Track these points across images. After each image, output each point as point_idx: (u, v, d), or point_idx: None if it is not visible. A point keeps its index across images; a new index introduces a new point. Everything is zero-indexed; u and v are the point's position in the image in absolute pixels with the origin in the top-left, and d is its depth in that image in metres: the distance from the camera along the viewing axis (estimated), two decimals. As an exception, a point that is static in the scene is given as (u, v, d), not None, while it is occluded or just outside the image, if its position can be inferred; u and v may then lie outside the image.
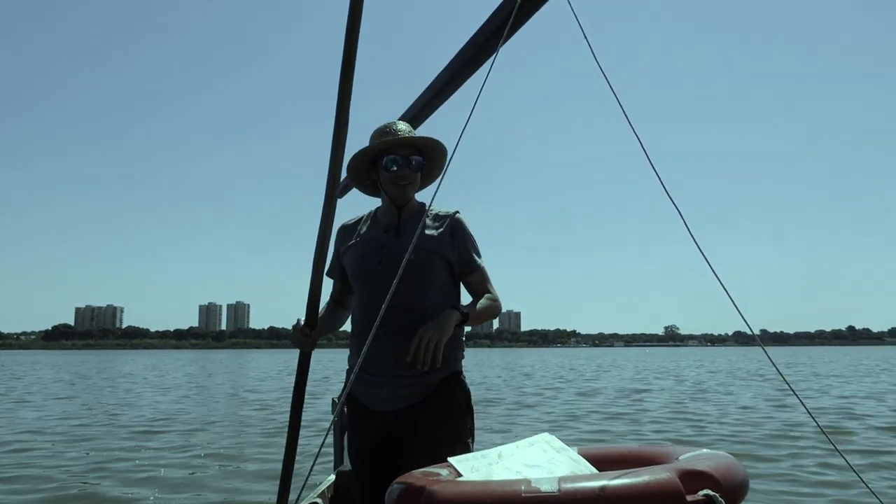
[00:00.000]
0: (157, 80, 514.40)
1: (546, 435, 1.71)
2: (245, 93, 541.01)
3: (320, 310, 2.17)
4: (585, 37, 1.84)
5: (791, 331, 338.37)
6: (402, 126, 2.20)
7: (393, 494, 1.28)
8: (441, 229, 2.13)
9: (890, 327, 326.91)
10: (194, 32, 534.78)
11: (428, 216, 2.15)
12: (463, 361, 2.19)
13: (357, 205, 2.33)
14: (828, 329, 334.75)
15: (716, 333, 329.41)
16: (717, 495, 1.10)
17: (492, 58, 1.99)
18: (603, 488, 1.04)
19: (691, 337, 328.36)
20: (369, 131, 2.23)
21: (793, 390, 1.60)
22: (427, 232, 2.11)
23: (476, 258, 2.16)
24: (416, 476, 1.36)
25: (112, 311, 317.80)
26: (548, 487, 1.05)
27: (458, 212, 2.19)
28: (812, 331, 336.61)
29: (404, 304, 2.00)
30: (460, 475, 1.41)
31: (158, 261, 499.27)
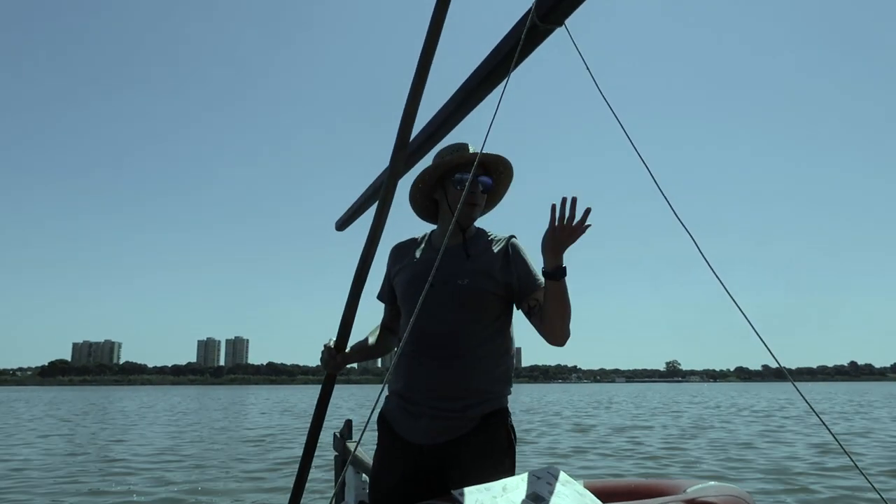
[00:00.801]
0: (158, 119, 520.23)
1: (552, 468, 1.68)
2: (244, 127, 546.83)
3: (369, 334, 2.16)
4: (589, 71, 1.86)
5: (794, 366, 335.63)
6: (468, 145, 2.11)
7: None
8: (497, 254, 2.02)
9: (892, 363, 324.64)
10: (197, 56, 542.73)
11: (485, 241, 2.07)
12: (510, 397, 2.03)
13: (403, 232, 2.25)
14: (830, 364, 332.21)
15: (717, 369, 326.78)
16: (728, 529, 1.07)
17: (502, 87, 2.01)
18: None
19: (693, 372, 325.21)
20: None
21: (819, 417, 1.57)
22: (485, 258, 2.01)
23: (537, 276, 1.97)
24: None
25: (110, 347, 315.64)
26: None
27: (513, 236, 2.09)
28: (814, 366, 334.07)
29: (451, 331, 1.92)
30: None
31: (157, 296, 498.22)
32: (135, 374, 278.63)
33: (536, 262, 2.02)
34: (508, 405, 2.02)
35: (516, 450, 1.99)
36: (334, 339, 2.08)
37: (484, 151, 2.05)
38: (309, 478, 2.29)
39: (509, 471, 1.91)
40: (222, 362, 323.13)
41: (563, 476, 1.63)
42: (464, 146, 2.09)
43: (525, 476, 1.63)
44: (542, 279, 1.92)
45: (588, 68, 1.86)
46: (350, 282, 2.01)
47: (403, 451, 1.95)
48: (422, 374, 1.94)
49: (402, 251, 2.17)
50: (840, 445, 1.49)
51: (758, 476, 7.82)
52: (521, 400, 38.84)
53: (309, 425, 2.19)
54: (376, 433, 2.07)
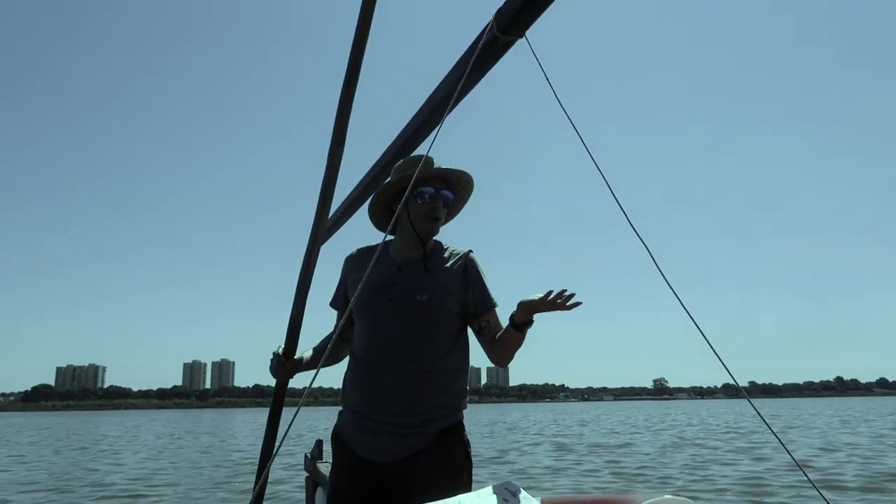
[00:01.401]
0: (140, 143, 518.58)
1: (510, 484, 1.65)
2: (226, 152, 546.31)
3: (319, 341, 2.12)
4: (550, 83, 1.86)
5: (780, 382, 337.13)
6: (433, 160, 2.08)
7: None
8: (455, 269, 2.00)
9: (878, 378, 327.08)
10: (180, 90, 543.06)
11: (443, 254, 2.04)
12: (465, 411, 2.03)
13: (361, 240, 2.23)
14: (816, 380, 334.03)
15: (705, 386, 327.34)
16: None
17: (437, 128, 2.01)
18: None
19: (680, 390, 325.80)
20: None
21: (777, 437, 1.56)
22: (444, 273, 1.99)
23: (491, 297, 2.00)
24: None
25: (94, 371, 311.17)
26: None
27: (471, 251, 2.07)
28: (801, 382, 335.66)
29: (408, 346, 1.90)
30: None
31: (142, 318, 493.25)
32: (119, 398, 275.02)
33: (491, 279, 2.04)
34: (464, 420, 2.00)
35: (473, 464, 1.97)
36: (283, 345, 2.04)
37: (446, 167, 2.07)
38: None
39: (467, 485, 1.91)
40: (208, 385, 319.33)
41: (519, 492, 1.60)
42: (429, 159, 2.07)
43: (481, 492, 1.59)
44: (495, 301, 2.00)
45: (548, 80, 1.85)
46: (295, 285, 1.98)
47: (361, 470, 1.90)
48: (380, 390, 1.90)
49: (358, 260, 2.12)
50: (792, 457, 1.47)
51: (719, 489, 7.79)
52: (505, 419, 38.68)
53: (262, 441, 2.13)
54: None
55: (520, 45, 1.89)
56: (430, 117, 2.37)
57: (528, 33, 1.85)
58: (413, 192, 1.99)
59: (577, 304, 1.69)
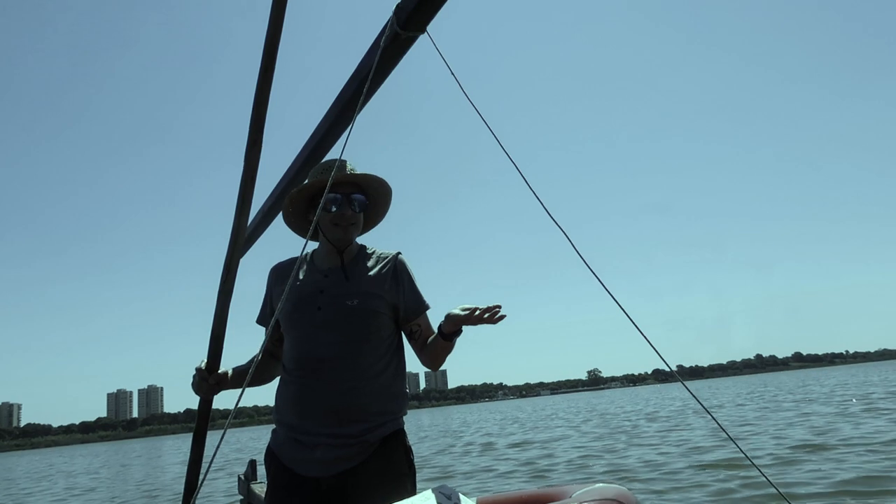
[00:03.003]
0: (54, 161, 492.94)
1: (444, 487, 1.61)
2: (140, 161, 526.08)
3: (245, 362, 2.03)
4: (455, 76, 1.85)
5: (705, 364, 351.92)
6: (346, 163, 2.04)
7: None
8: (384, 272, 1.96)
9: (793, 352, 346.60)
10: (92, 104, 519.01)
11: (370, 258, 2.01)
12: (405, 418, 1.99)
13: (287, 250, 2.16)
14: (738, 359, 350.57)
15: (636, 373, 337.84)
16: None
17: (349, 127, 1.97)
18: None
19: (613, 379, 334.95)
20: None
21: (710, 414, 1.57)
22: (371, 276, 1.95)
23: (423, 300, 1.99)
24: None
25: (7, 409, 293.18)
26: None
27: (400, 253, 2.04)
28: (724, 362, 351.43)
29: (342, 354, 1.84)
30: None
31: (58, 349, 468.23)
32: (38, 436, 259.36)
33: (420, 279, 2.02)
34: (405, 426, 1.96)
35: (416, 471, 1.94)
36: (205, 360, 1.95)
37: (359, 172, 2.04)
38: None
39: (411, 493, 1.84)
40: (135, 414, 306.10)
41: (455, 495, 1.56)
42: (342, 163, 2.03)
43: (415, 498, 1.55)
44: (426, 304, 1.99)
45: (453, 73, 1.86)
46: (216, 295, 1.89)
47: (298, 488, 1.81)
48: (315, 401, 1.83)
49: (282, 273, 2.06)
50: (730, 438, 1.49)
51: (651, 476, 8.03)
52: (447, 422, 38.79)
53: (188, 463, 2.00)
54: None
55: (426, 42, 1.88)
56: (340, 118, 2.32)
57: (429, 29, 1.84)
58: (319, 200, 1.97)
59: (503, 317, 1.71)
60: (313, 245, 2.10)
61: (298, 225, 2.07)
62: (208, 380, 1.93)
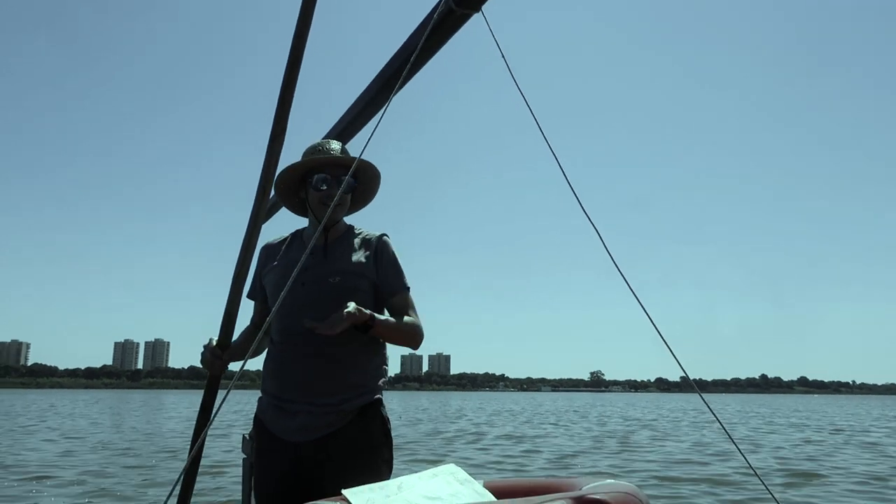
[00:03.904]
0: (72, 112, 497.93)
1: (451, 466, 1.62)
2: (166, 121, 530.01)
3: (239, 331, 2.09)
4: (506, 60, 1.83)
5: (710, 378, 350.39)
6: (335, 145, 2.14)
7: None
8: (367, 252, 2.07)
9: (799, 376, 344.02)
10: (111, 61, 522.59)
11: (356, 238, 2.11)
12: (383, 391, 2.08)
13: (285, 225, 2.25)
14: (743, 377, 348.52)
15: (639, 379, 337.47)
16: (616, 525, 1.03)
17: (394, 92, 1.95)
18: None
19: (615, 382, 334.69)
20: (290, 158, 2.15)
21: (722, 424, 1.57)
22: (354, 255, 2.05)
23: (400, 280, 2.08)
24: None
25: (16, 347, 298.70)
26: (435, 516, 0.95)
27: (385, 234, 2.14)
28: (728, 378, 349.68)
29: None
30: (353, 509, 1.31)
31: (71, 294, 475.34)
32: (44, 376, 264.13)
33: (405, 261, 2.13)
34: (383, 397, 2.07)
35: (394, 442, 2.04)
36: (215, 337, 1.99)
37: (351, 155, 2.14)
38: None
39: (388, 461, 1.98)
40: (140, 365, 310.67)
41: (462, 474, 1.58)
42: (323, 148, 2.12)
43: (422, 474, 1.56)
44: (405, 284, 2.09)
45: (504, 57, 1.83)
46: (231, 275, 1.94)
47: (281, 452, 1.95)
48: (297, 373, 1.95)
49: (272, 250, 2.19)
50: (737, 448, 1.49)
51: (657, 475, 8.04)
52: (448, 406, 38.99)
53: (192, 433, 2.04)
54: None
55: (477, 21, 1.86)
56: (380, 93, 2.31)
57: (484, 8, 1.82)
58: (307, 180, 2.08)
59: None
60: (304, 223, 2.22)
61: (291, 202, 2.20)
62: (221, 357, 2.03)
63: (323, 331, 1.80)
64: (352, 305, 1.82)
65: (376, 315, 1.90)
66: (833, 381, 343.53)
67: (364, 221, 2.26)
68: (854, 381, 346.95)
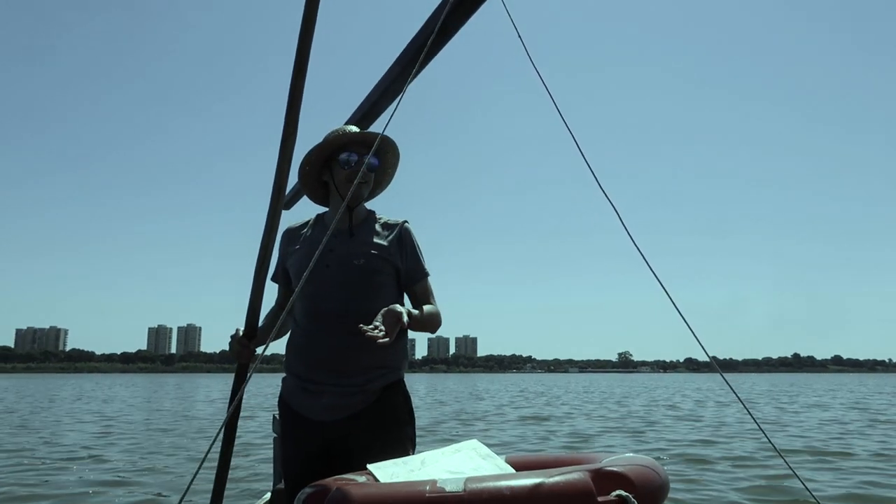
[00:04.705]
0: (108, 104, 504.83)
1: (474, 442, 1.66)
2: (194, 117, 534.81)
3: (263, 317, 2.10)
4: (524, 45, 1.83)
5: (740, 358, 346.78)
6: (356, 129, 2.17)
7: (300, 499, 1.21)
8: (390, 237, 2.09)
9: (833, 355, 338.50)
10: (151, 61, 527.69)
11: (377, 223, 2.13)
12: (407, 373, 2.13)
13: (302, 213, 2.27)
14: (775, 356, 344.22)
15: (668, 360, 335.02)
16: (631, 496, 1.06)
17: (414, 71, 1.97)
18: (511, 488, 1.00)
19: (644, 363, 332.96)
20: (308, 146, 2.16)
21: (742, 403, 1.58)
22: (377, 238, 2.07)
23: (421, 267, 2.12)
24: (329, 481, 1.30)
25: (55, 333, 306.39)
26: (453, 487, 1.00)
27: (406, 221, 2.16)
28: (760, 358, 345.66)
29: (348, 310, 1.96)
30: (378, 482, 1.35)
31: (106, 282, 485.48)
32: (82, 361, 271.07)
33: (425, 248, 2.16)
34: (404, 378, 2.11)
35: (416, 420, 2.08)
36: (242, 327, 2.01)
37: (373, 131, 2.14)
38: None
39: (411, 440, 2.02)
40: (174, 350, 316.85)
41: (483, 450, 1.61)
42: (346, 130, 2.12)
43: (445, 450, 1.61)
44: (426, 271, 2.13)
45: (522, 41, 1.82)
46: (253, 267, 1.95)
47: (307, 431, 1.99)
48: (322, 353, 1.98)
49: (294, 233, 2.22)
50: (760, 428, 1.50)
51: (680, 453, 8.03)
52: (475, 387, 39.19)
53: (225, 417, 2.07)
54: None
55: (494, 6, 1.85)
56: (399, 77, 2.32)
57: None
58: (335, 159, 2.09)
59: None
60: (325, 208, 2.24)
61: (313, 187, 2.19)
62: (248, 346, 2.02)
63: (384, 342, 1.68)
64: (401, 309, 1.82)
65: (412, 313, 1.93)
66: (868, 360, 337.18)
67: (387, 207, 2.27)
68: (890, 360, 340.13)
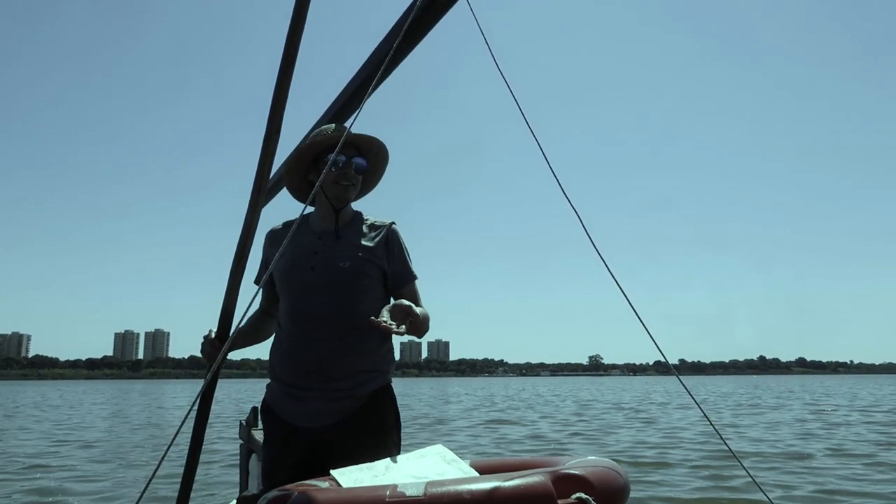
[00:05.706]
0: (72, 105, 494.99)
1: (439, 447, 1.66)
2: (162, 117, 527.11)
3: (245, 320, 2.07)
4: (490, 48, 1.84)
5: (708, 360, 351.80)
6: (346, 128, 2.09)
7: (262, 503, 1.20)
8: (377, 239, 2.04)
9: (797, 357, 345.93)
10: (112, 54, 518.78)
11: (364, 224, 2.08)
12: (393, 377, 2.08)
13: (280, 214, 2.23)
14: (741, 359, 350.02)
15: (637, 363, 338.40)
16: (591, 498, 1.07)
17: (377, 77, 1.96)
18: (470, 492, 1.00)
19: (614, 366, 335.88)
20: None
21: (699, 406, 1.60)
22: (363, 240, 2.03)
23: (409, 270, 2.08)
24: (291, 487, 1.28)
25: (17, 339, 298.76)
26: (413, 492, 1.00)
27: (394, 223, 2.11)
28: (727, 360, 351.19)
29: (335, 313, 1.93)
30: (340, 487, 1.34)
31: (70, 285, 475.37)
32: (45, 367, 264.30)
33: (412, 250, 2.10)
34: (392, 383, 2.06)
35: (402, 426, 2.04)
36: (215, 329, 1.96)
37: (360, 133, 2.07)
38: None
39: (397, 445, 1.97)
40: (141, 356, 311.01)
41: (448, 455, 1.61)
42: (341, 127, 2.09)
43: (410, 455, 1.60)
44: (413, 274, 2.08)
45: (488, 44, 1.83)
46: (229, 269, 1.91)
47: (293, 438, 1.93)
48: (308, 358, 1.93)
49: (278, 236, 2.15)
50: (716, 430, 1.52)
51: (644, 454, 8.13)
52: (446, 392, 39.17)
53: (194, 422, 2.02)
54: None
55: (462, 9, 1.86)
56: (367, 80, 2.31)
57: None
58: (324, 160, 2.03)
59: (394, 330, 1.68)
60: (310, 209, 2.15)
61: (298, 187, 2.13)
62: (220, 348, 1.95)
63: (397, 330, 1.68)
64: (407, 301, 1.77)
65: (417, 308, 1.83)
66: (831, 362, 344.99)
67: (365, 205, 2.22)
68: (852, 361, 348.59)
